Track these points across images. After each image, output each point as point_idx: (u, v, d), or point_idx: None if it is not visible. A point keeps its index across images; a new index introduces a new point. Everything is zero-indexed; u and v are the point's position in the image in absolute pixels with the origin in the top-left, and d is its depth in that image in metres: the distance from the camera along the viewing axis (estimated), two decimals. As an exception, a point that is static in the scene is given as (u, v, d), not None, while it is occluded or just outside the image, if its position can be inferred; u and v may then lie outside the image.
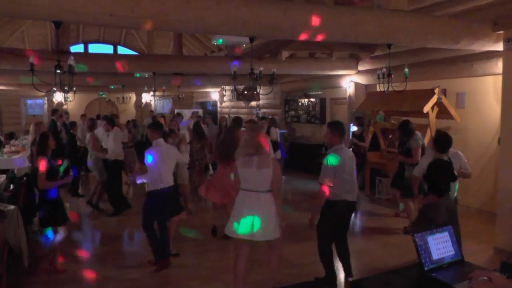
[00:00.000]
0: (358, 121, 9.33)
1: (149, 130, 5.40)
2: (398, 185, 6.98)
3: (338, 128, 4.48)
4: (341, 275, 4.73)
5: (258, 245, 4.17)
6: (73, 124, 10.15)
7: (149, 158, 5.05)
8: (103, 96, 19.64)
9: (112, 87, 16.66)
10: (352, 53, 10.22)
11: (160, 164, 5.06)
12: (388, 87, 6.93)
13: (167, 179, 5.19)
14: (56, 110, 12.26)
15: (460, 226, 3.29)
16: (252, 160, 3.98)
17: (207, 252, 5.80)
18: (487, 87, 7.85)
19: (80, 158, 10.23)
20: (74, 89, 10.53)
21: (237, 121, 7.22)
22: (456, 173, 4.40)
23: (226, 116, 15.13)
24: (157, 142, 5.25)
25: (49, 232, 5.05)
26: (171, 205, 5.30)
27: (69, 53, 8.48)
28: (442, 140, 4.76)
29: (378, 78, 7.07)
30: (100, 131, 8.63)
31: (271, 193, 4.00)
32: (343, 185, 4.36)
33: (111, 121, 8.45)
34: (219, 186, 5.93)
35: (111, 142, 8.06)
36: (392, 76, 6.90)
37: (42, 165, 4.80)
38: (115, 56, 11.55)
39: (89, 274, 5.08)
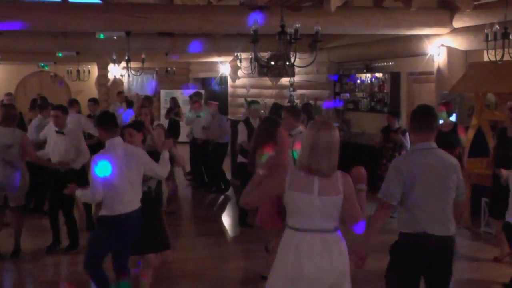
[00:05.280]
0: (447, 108, 9.23)
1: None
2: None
3: (425, 116, 4.47)
4: None
5: None
6: None
7: (98, 168, 5.33)
8: (46, 68, 19.81)
9: (60, 54, 16.77)
10: (444, 0, 10.13)
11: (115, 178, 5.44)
12: (502, 55, 6.86)
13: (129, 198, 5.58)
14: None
15: None
16: (312, 181, 3.84)
17: None
18: None
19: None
20: None
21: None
22: None
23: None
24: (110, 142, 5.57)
25: None
26: (139, 238, 5.62)
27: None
28: None
29: (487, 40, 7.01)
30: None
31: (340, 232, 3.96)
32: (425, 208, 4.33)
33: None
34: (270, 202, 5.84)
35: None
36: (511, 36, 6.82)
37: None
38: (64, 5, 11.65)
39: None
